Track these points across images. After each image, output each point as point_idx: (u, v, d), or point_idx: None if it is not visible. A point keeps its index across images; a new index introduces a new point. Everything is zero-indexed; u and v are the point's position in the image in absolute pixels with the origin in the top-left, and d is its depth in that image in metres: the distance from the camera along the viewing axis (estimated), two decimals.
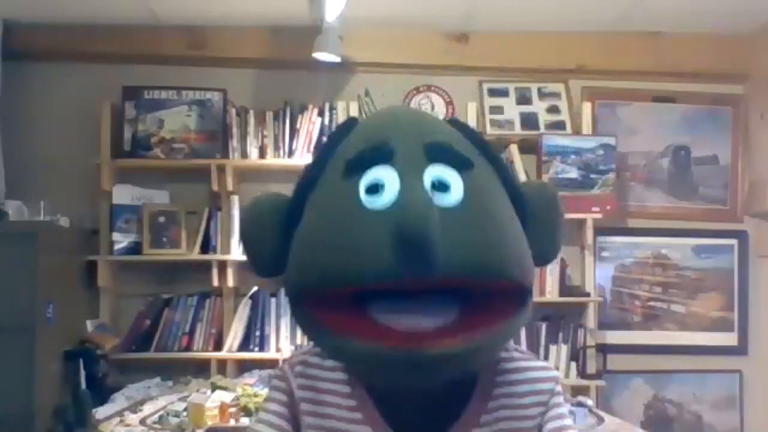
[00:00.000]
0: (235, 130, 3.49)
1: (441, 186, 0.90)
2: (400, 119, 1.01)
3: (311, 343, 1.02)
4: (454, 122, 1.04)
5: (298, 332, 3.42)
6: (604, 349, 3.55)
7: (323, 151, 1.01)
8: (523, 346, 3.27)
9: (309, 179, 0.98)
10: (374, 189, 0.90)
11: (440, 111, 3.60)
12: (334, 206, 0.93)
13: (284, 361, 1.09)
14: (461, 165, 0.93)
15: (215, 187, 3.42)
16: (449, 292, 0.88)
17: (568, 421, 1.04)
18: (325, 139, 0.97)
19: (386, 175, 0.90)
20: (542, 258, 1.00)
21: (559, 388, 1.06)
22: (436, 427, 0.99)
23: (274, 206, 1.00)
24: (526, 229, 0.97)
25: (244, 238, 1.02)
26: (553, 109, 3.68)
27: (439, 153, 0.93)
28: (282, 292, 3.44)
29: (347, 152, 0.96)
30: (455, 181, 0.91)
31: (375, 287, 0.87)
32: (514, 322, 0.94)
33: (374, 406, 1.00)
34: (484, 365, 0.99)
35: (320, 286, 0.90)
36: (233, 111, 3.51)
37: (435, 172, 0.91)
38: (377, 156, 0.92)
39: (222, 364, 3.39)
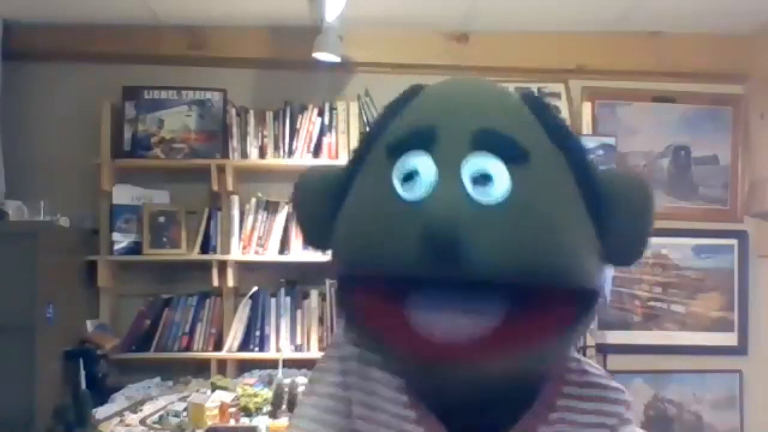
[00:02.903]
0: (235, 130, 3.48)
1: (483, 179, 0.82)
2: (457, 98, 0.92)
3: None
4: (528, 99, 0.92)
5: (298, 332, 3.42)
6: (604, 349, 3.54)
7: (381, 121, 0.95)
8: None
9: (362, 150, 0.95)
10: (410, 177, 0.84)
11: None
12: (371, 189, 0.89)
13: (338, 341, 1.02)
14: (511, 156, 0.84)
15: (215, 187, 3.42)
16: (496, 289, 0.81)
17: None
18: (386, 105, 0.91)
19: (423, 164, 0.84)
20: (621, 258, 0.90)
21: (629, 415, 0.97)
22: (491, 431, 0.92)
23: (324, 177, 0.97)
24: (603, 224, 0.86)
25: (294, 209, 1.01)
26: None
27: (488, 141, 0.84)
28: (282, 292, 3.45)
29: (397, 130, 0.90)
30: (500, 173, 0.82)
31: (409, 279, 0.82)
32: (572, 327, 0.86)
33: (428, 405, 0.92)
34: (532, 374, 0.92)
35: (354, 269, 0.87)
36: (233, 111, 3.51)
37: (477, 163, 0.83)
38: (417, 141, 0.86)
39: (222, 364, 3.39)
